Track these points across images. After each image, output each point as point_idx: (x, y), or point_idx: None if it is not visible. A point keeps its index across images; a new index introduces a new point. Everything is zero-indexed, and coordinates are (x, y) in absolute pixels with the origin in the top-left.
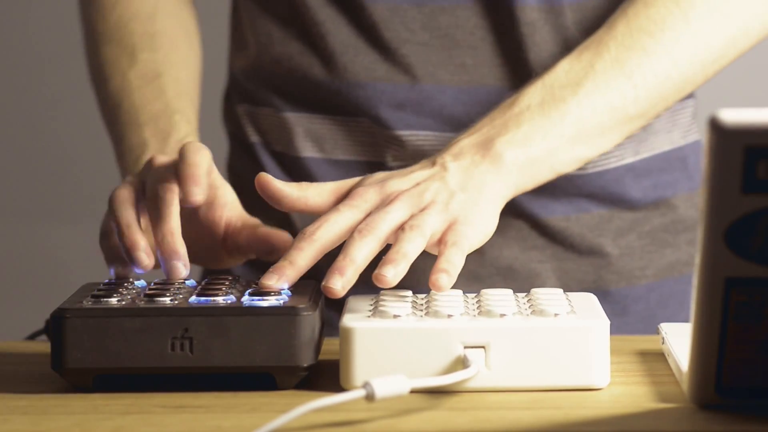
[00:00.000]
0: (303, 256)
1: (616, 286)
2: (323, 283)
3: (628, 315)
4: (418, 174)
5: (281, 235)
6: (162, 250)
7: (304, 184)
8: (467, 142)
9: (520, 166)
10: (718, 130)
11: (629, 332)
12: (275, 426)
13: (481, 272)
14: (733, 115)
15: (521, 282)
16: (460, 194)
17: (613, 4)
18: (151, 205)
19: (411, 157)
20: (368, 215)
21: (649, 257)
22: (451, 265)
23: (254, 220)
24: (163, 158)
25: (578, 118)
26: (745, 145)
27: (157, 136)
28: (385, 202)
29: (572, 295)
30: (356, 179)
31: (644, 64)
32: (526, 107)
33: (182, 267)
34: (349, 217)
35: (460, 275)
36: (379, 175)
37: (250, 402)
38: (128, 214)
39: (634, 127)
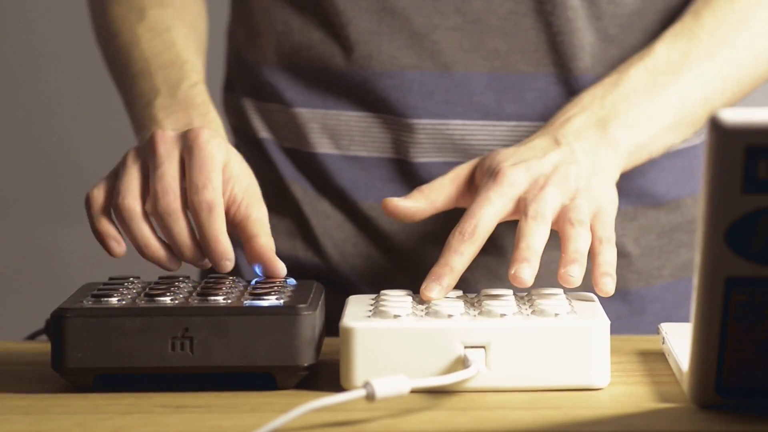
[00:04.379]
0: (462, 260)
1: (635, 286)
2: (511, 272)
3: (646, 315)
4: (552, 156)
5: (273, 265)
6: (212, 253)
7: (424, 189)
8: (581, 120)
9: (629, 150)
10: (718, 130)
11: (647, 332)
12: (275, 426)
13: (501, 271)
14: (733, 115)
15: (544, 281)
16: (594, 179)
17: (652, 7)
18: (163, 209)
19: (436, 148)
20: (520, 200)
21: (666, 257)
22: (611, 266)
23: (258, 215)
24: (167, 144)
25: (677, 106)
26: (746, 144)
27: (168, 83)
28: (535, 188)
29: (572, 294)
30: (472, 162)
31: (731, 57)
32: (633, 90)
33: (230, 264)
34: (501, 207)
35: (483, 274)
36: (507, 153)
37: (250, 402)
38: (144, 230)
39: None
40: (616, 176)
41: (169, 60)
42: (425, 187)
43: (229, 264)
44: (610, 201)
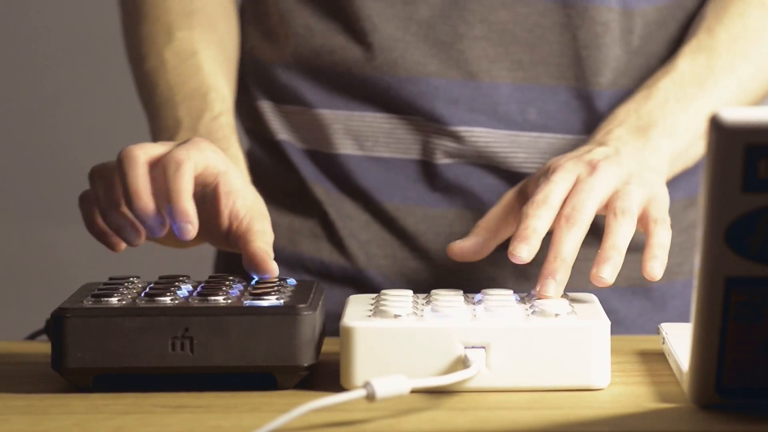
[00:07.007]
0: (542, 223)
1: (657, 282)
2: (537, 289)
3: (667, 311)
4: (600, 150)
5: (266, 264)
6: (171, 210)
7: (481, 224)
8: (622, 130)
9: (671, 157)
10: (718, 129)
11: None
12: (275, 426)
13: (529, 271)
14: (733, 114)
15: (570, 280)
16: (645, 172)
17: (671, 16)
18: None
19: (462, 153)
20: (576, 184)
21: (685, 254)
22: (662, 249)
23: (259, 228)
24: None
25: (707, 116)
26: (746, 143)
27: (191, 114)
28: (590, 169)
29: (572, 295)
30: (517, 187)
31: (749, 70)
32: (665, 101)
33: (191, 227)
34: (567, 179)
35: (508, 273)
36: (554, 158)
37: (250, 402)
38: (142, 179)
39: None
40: (663, 180)
41: (193, 89)
42: (482, 222)
43: (190, 228)
44: (665, 195)
